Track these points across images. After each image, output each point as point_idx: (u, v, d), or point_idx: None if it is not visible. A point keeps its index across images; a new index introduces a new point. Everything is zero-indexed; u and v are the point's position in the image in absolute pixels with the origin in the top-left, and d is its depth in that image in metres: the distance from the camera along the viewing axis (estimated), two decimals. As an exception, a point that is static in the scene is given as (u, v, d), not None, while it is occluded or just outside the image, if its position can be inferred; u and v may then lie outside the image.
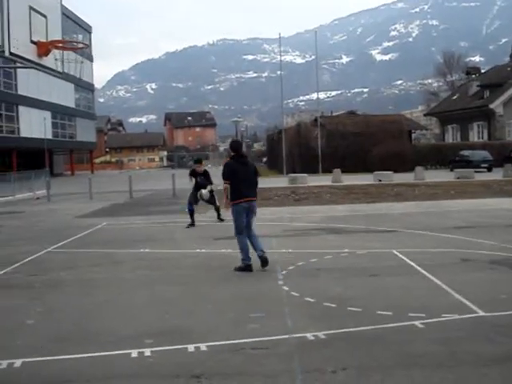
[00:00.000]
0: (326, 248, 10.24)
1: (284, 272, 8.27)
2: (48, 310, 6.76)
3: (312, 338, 5.28)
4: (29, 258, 10.29)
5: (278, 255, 9.67)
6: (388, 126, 46.75)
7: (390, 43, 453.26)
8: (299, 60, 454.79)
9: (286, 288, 7.30)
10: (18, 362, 4.88)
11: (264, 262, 8.46)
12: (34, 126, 54.16)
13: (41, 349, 5.24)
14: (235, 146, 8.93)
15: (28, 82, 52.50)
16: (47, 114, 57.39)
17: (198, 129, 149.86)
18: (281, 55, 61.78)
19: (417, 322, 5.66)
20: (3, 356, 5.07)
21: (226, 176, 8.65)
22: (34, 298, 7.42)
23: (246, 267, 8.47)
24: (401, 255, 9.33)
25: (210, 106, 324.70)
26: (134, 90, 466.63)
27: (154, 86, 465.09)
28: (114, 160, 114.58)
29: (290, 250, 10.19)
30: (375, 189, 25.71)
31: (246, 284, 7.76)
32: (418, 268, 8.34)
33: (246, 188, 8.63)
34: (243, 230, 8.65)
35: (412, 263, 8.69)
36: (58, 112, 62.17)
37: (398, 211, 16.60)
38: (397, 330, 5.49)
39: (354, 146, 44.64)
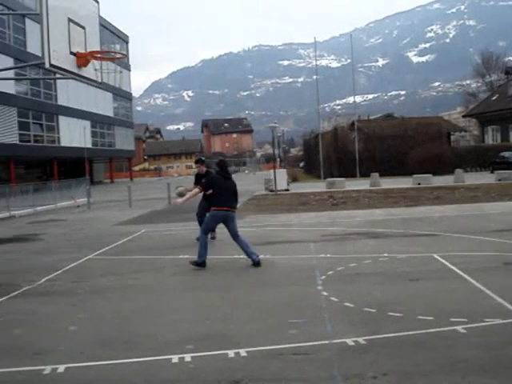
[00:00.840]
0: (365, 252, 10.17)
1: (323, 277, 8.24)
2: (90, 316, 6.86)
3: (352, 343, 5.24)
4: (71, 265, 10.47)
5: (316, 260, 9.65)
6: (426, 129, 46.21)
7: (427, 45, 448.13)
8: (335, 64, 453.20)
9: (325, 293, 7.27)
10: (61, 368, 4.97)
11: (257, 264, 9.27)
12: (73, 135, 55.15)
13: (83, 354, 5.33)
14: (221, 164, 9.91)
15: (67, 93, 53.55)
16: (87, 124, 58.39)
17: (234, 135, 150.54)
18: (316, 60, 61.75)
19: (458, 327, 5.57)
20: (47, 361, 5.16)
21: (207, 184, 9.79)
22: (76, 304, 7.55)
23: (202, 263, 9.36)
24: (441, 259, 9.21)
25: (247, 112, 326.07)
26: (171, 97, 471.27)
27: (190, 93, 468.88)
28: (152, 167, 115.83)
29: (329, 255, 10.14)
30: (414, 192, 25.42)
31: (284, 289, 7.75)
32: (459, 272, 8.22)
33: (227, 199, 9.46)
34: (209, 233, 10.26)
35: (453, 267, 8.56)
36: (97, 121, 63.18)
37: (438, 214, 16.38)
38: (438, 335, 5.41)
39: (391, 150, 44.26)
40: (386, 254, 9.86)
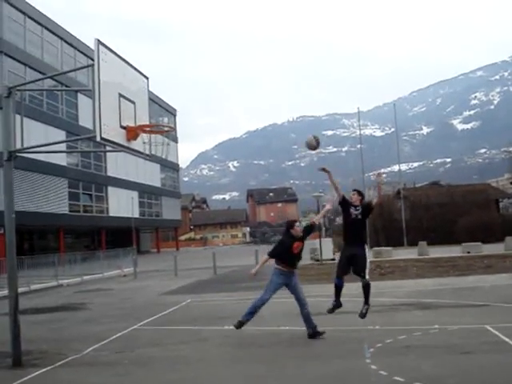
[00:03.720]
0: (414, 324, 9.89)
1: (371, 350, 8.03)
2: (135, 388, 6.81)
3: (403, 419, 5.04)
4: (117, 335, 10.48)
5: (364, 332, 9.43)
6: (474, 196, 45.58)
7: (471, 112, 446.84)
8: (379, 133, 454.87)
9: (373, 367, 7.06)
10: None
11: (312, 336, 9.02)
12: (121, 205, 56.31)
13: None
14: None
15: (116, 164, 55.07)
16: (134, 194, 59.63)
17: (279, 204, 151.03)
18: (360, 129, 62.12)
19: (516, 404, 5.32)
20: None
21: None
22: (122, 374, 7.52)
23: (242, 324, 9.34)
24: (494, 331, 8.87)
25: (291, 181, 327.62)
26: (217, 168, 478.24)
27: (236, 163, 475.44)
28: (198, 237, 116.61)
29: (377, 327, 9.91)
30: (463, 261, 24.83)
31: (332, 362, 7.57)
32: (515, 345, 7.90)
33: None
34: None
35: (507, 339, 8.23)
36: (145, 191, 64.47)
37: (490, 284, 15.90)
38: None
39: (439, 218, 43.62)
40: (436, 326, 9.57)
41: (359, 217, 9.25)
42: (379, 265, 24.69)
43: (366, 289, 9.26)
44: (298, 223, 9.61)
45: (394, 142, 66.28)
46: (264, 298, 9.38)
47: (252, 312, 9.42)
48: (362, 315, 9.17)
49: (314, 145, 9.77)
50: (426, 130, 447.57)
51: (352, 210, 9.34)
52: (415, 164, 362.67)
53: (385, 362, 7.25)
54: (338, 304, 9.55)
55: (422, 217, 44.43)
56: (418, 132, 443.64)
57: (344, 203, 9.55)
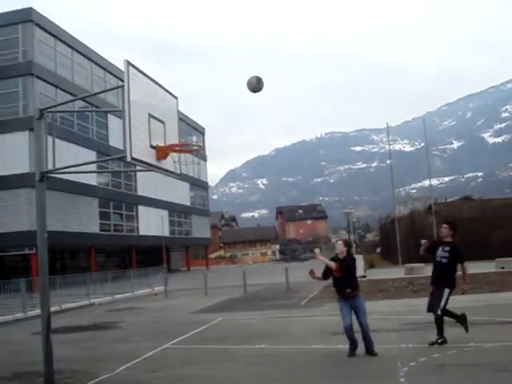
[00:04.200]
0: (449, 342, 9.69)
1: (405, 369, 7.88)
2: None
3: None
4: (148, 354, 10.49)
5: (397, 351, 9.27)
6: (507, 210, 44.78)
7: (502, 125, 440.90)
8: (408, 148, 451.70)
9: (408, 386, 6.93)
10: None
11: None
12: (151, 224, 56.69)
13: None
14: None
15: (146, 183, 55.53)
16: (164, 213, 59.97)
17: (309, 221, 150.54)
18: (389, 144, 61.74)
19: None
20: None
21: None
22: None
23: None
24: (532, 349, 8.65)
25: (321, 198, 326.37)
26: (246, 186, 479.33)
27: (264, 181, 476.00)
28: (227, 255, 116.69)
29: (411, 345, 9.73)
30: (498, 277, 24.35)
31: (365, 382, 7.46)
32: (554, 363, 7.68)
33: None
34: None
35: (546, 358, 8.03)
36: (175, 210, 64.82)
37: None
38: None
39: (471, 233, 42.90)
40: (471, 344, 9.37)
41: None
42: (411, 281, 24.35)
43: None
44: (340, 242, 9.56)
45: (424, 157, 65.67)
46: (344, 324, 9.09)
47: (350, 342, 9.09)
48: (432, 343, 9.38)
49: (253, 83, 8.59)
50: (456, 144, 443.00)
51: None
52: (446, 178, 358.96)
53: (419, 380, 7.12)
54: (444, 340, 9.47)
55: (453, 232, 43.84)
56: (448, 146, 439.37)
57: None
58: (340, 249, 9.28)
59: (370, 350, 8.97)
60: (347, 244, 9.52)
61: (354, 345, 9.01)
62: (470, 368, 7.77)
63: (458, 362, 8.17)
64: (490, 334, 10.32)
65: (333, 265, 9.11)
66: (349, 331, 8.97)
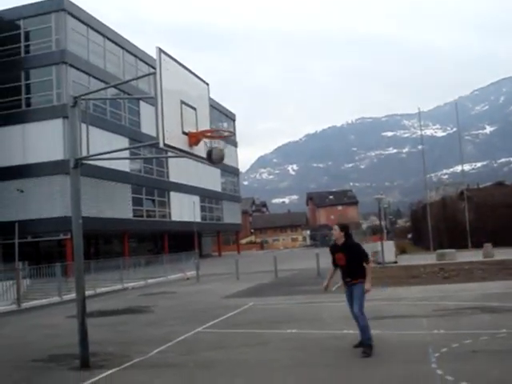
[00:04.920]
0: (481, 328, 9.64)
1: (437, 354, 7.87)
2: (200, 390, 6.91)
3: (471, 426, 4.93)
4: (180, 338, 10.64)
5: (429, 336, 9.25)
6: (541, 196, 44.07)
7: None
8: (440, 133, 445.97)
9: (439, 372, 6.92)
10: None
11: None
12: (183, 210, 57.12)
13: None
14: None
15: (178, 170, 55.91)
16: (196, 199, 60.33)
17: (339, 207, 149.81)
18: (421, 129, 61.07)
19: None
20: None
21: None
22: (187, 377, 7.63)
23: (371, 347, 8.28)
24: None
25: (351, 183, 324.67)
26: (277, 172, 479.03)
27: (295, 167, 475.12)
28: (258, 240, 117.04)
29: (442, 331, 9.70)
30: (532, 263, 24.03)
31: (397, 367, 7.47)
32: None
33: None
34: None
35: None
36: (206, 196, 65.18)
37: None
38: None
39: (504, 218, 42.33)
40: (504, 330, 9.30)
41: None
42: (443, 268, 24.16)
43: None
44: (336, 226, 8.86)
45: (456, 142, 64.82)
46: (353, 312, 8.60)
47: (361, 332, 8.52)
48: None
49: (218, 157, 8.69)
50: (489, 129, 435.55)
51: None
52: (478, 164, 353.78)
53: (451, 367, 7.10)
54: None
55: (486, 218, 43.20)
56: (480, 131, 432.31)
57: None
58: (336, 234, 8.76)
59: (360, 343, 8.49)
60: (343, 228, 8.78)
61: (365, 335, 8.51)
62: (501, 354, 7.72)
63: (491, 349, 8.12)
64: (523, 321, 10.21)
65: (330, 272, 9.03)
66: (359, 319, 8.50)
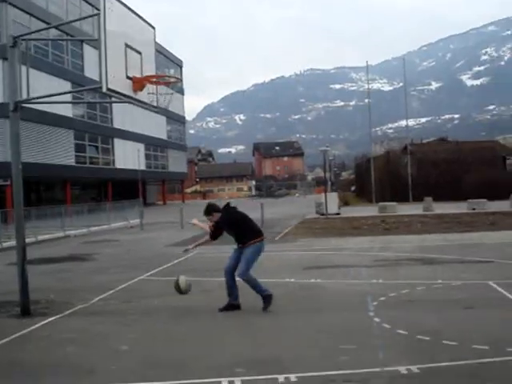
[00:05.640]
0: (418, 279, 9.97)
1: (375, 303, 8.11)
2: (141, 337, 6.94)
3: (405, 371, 5.12)
4: (123, 285, 10.62)
5: (368, 286, 9.52)
6: (481, 153, 45.37)
7: (481, 68, 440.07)
8: (387, 87, 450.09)
9: (377, 319, 7.15)
10: (113, 388, 5.02)
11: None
12: (128, 157, 56.28)
13: (134, 374, 5.38)
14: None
15: (122, 116, 54.80)
16: (141, 146, 59.48)
17: (285, 158, 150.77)
18: (368, 83, 61.55)
19: (516, 358, 5.38)
20: (99, 380, 5.25)
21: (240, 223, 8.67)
22: (127, 324, 7.64)
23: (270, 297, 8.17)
24: (498, 287, 8.94)
25: (298, 135, 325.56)
26: (223, 121, 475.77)
27: (242, 117, 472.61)
28: (204, 189, 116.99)
29: (381, 281, 9.99)
30: (469, 217, 24.88)
31: (335, 315, 7.66)
32: (517, 300, 7.96)
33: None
34: None
35: (509, 295, 8.31)
36: (151, 144, 64.32)
37: (494, 241, 15.96)
38: (494, 365, 5.24)
39: (445, 174, 43.52)
40: (439, 281, 9.65)
41: None
42: (384, 220, 24.76)
43: None
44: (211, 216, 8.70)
45: (402, 97, 65.69)
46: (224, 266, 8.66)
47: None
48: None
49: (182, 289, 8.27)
50: (434, 86, 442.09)
51: None
52: (423, 119, 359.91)
53: (388, 315, 7.33)
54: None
55: (428, 173, 44.33)
56: (426, 87, 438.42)
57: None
58: (209, 223, 8.69)
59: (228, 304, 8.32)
60: (207, 211, 8.67)
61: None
62: (437, 304, 8.01)
63: (426, 298, 8.42)
64: (458, 273, 10.60)
65: (206, 227, 8.76)
66: (225, 274, 8.51)
